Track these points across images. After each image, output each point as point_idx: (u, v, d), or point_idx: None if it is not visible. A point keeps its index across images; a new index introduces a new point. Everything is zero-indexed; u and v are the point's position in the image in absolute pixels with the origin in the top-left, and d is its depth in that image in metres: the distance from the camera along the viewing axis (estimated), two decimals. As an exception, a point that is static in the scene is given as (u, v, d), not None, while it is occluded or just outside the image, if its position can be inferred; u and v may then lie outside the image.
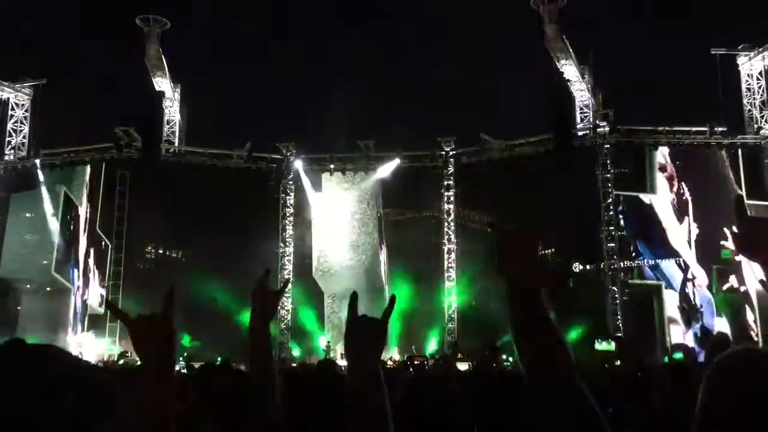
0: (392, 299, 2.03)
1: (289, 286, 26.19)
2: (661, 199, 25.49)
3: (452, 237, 27.52)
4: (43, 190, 27.78)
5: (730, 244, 23.14)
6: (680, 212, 25.20)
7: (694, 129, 25.94)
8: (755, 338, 22.85)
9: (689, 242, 24.97)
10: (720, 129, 25.78)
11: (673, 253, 25.07)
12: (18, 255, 27.87)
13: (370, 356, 1.95)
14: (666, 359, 19.66)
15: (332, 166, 28.86)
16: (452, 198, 27.80)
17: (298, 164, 28.77)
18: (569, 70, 26.83)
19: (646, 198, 25.71)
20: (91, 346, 25.22)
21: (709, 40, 25.96)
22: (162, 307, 1.88)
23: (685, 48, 25.90)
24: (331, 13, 30.12)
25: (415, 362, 12.98)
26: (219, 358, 12.93)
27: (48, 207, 27.79)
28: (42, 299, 27.31)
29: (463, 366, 16.94)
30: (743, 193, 23.49)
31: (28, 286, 27.66)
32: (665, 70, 26.70)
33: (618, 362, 18.56)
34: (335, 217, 28.69)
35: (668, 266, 25.14)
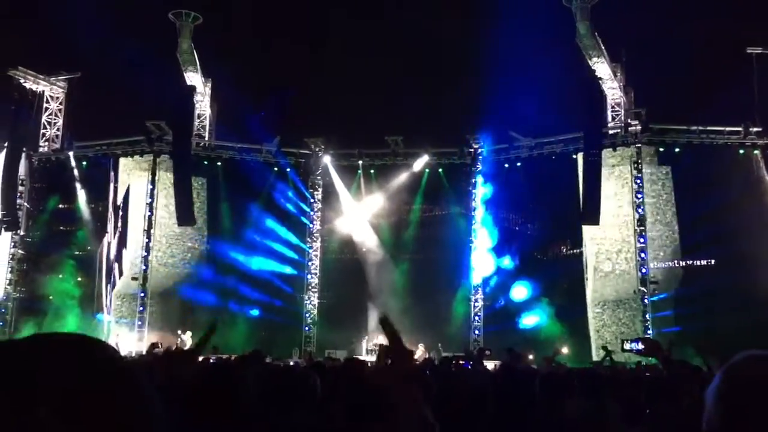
0: None
1: None
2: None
3: (479, 234, 27.38)
4: (77, 182, 28.22)
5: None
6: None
7: (728, 129, 25.50)
8: None
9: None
10: (755, 129, 25.30)
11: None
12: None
13: None
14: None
15: (360, 162, 28.89)
16: (480, 195, 27.67)
17: (327, 160, 28.84)
18: (601, 67, 26.53)
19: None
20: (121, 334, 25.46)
21: (745, 39, 25.43)
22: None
23: (720, 47, 25.36)
24: (360, 13, 30.14)
25: (460, 362, 12.46)
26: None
27: (82, 199, 28.24)
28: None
29: (489, 364, 16.84)
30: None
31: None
32: (699, 69, 26.15)
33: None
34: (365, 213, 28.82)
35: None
